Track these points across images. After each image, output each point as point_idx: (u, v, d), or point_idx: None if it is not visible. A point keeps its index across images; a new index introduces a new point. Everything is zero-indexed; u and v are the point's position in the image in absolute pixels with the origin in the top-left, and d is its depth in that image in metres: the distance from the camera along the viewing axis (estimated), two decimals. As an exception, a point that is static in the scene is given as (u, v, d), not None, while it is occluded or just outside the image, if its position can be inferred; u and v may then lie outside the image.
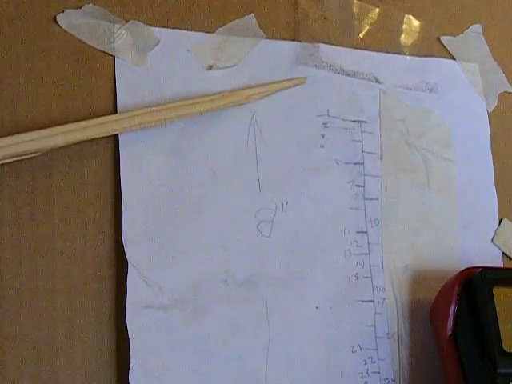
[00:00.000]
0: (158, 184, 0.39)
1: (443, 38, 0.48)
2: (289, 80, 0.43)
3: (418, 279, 0.43)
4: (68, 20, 0.39)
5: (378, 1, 0.46)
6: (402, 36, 0.46)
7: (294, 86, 0.43)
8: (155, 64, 0.40)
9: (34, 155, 0.36)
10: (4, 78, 0.38)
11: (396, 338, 0.42)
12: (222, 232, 0.39)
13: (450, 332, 0.40)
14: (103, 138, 0.38)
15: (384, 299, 0.42)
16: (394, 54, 0.46)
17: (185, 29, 0.41)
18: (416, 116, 0.46)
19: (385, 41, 0.46)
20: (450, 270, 0.42)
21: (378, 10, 0.46)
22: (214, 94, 0.40)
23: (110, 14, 0.40)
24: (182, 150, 0.40)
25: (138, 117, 0.38)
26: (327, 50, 0.44)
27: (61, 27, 0.39)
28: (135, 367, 0.36)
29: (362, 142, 0.44)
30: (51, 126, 0.37)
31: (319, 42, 0.44)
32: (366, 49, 0.45)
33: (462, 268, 0.41)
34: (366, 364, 0.41)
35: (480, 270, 0.39)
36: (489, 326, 0.37)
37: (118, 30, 0.40)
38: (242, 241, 0.40)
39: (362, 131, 0.44)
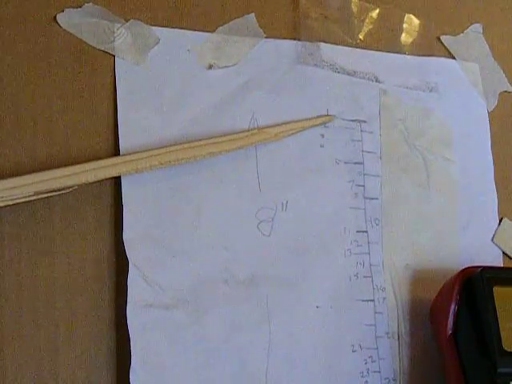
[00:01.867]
0: (158, 184, 0.39)
1: (443, 38, 0.48)
2: (317, 117, 0.43)
3: (418, 278, 0.43)
4: (68, 19, 0.39)
5: (379, 0, 0.46)
6: (403, 35, 0.46)
7: (323, 123, 0.43)
8: (155, 63, 0.40)
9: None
10: (4, 77, 0.37)
11: (396, 338, 0.42)
12: (222, 231, 0.39)
13: (450, 331, 0.40)
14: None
15: (384, 298, 0.42)
16: (395, 53, 0.46)
17: (185, 28, 0.41)
18: (416, 115, 0.45)
19: (385, 40, 0.46)
20: (450, 270, 0.42)
21: (378, 9, 0.46)
22: (242, 131, 0.40)
23: (109, 14, 0.40)
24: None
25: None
26: (327, 49, 0.44)
27: (61, 27, 0.39)
28: (135, 367, 0.36)
29: (361, 141, 0.44)
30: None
31: (319, 41, 0.44)
32: (366, 48, 0.45)
33: (462, 267, 0.41)
34: (366, 363, 0.41)
35: (480, 269, 0.39)
36: (489, 326, 0.37)
37: (118, 29, 0.40)
38: (242, 240, 0.40)
39: (361, 131, 0.44)
